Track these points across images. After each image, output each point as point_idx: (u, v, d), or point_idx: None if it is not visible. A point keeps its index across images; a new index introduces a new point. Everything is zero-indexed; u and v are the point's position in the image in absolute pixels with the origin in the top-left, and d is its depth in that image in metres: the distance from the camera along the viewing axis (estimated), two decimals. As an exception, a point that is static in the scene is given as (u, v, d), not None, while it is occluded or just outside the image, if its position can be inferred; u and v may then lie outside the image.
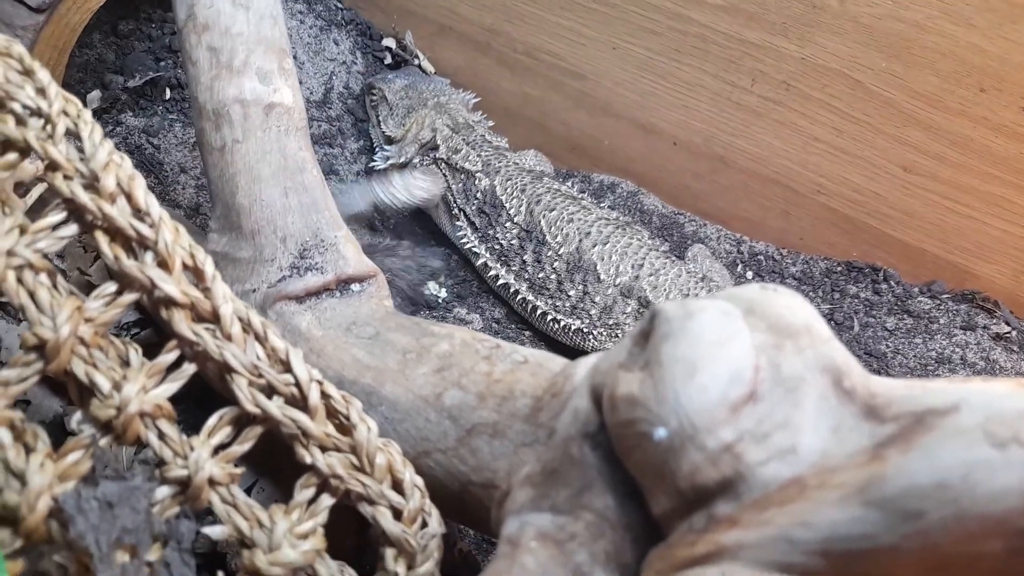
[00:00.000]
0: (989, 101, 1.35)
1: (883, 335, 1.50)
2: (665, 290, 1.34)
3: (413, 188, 1.49)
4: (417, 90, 1.58)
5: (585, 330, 1.36)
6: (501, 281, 1.42)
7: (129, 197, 0.68)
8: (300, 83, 1.55)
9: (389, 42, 1.81)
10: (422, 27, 1.77)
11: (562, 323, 1.37)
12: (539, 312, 1.39)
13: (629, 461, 0.53)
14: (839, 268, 1.61)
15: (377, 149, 1.61)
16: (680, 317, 0.52)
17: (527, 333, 1.45)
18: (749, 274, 1.56)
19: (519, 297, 1.40)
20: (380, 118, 1.57)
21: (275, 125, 0.91)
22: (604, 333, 1.35)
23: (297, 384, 0.67)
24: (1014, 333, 1.51)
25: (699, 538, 0.46)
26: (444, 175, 1.53)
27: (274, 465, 0.90)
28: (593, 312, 1.35)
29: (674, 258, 1.42)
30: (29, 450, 0.60)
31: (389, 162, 1.55)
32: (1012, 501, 0.38)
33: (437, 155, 1.53)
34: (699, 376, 0.49)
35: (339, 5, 1.76)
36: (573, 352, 1.37)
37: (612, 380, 0.55)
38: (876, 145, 1.47)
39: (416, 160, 1.54)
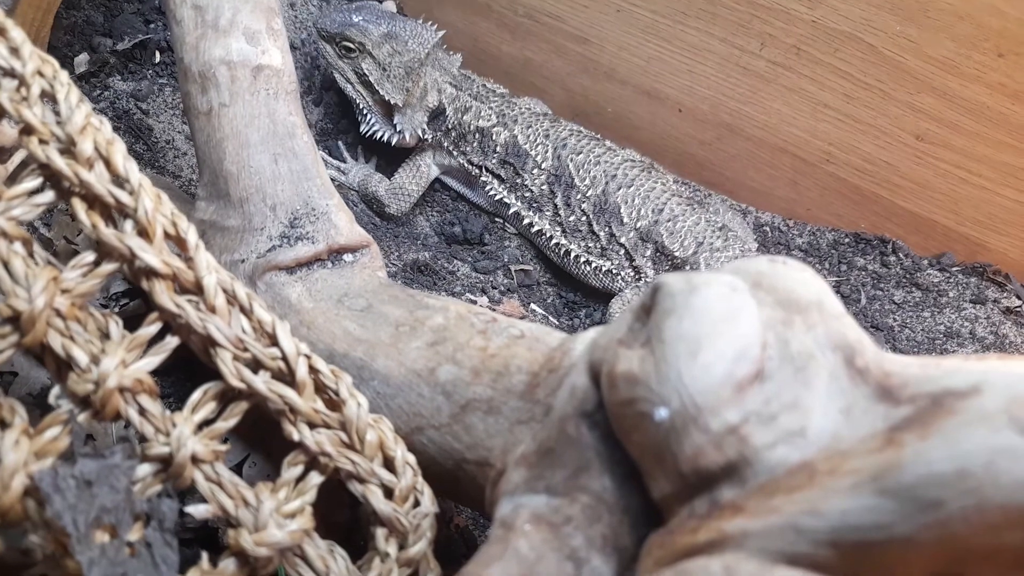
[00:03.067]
0: (1007, 67, 1.31)
1: (890, 308, 1.47)
2: (681, 237, 1.37)
3: (401, 195, 1.47)
4: (402, 41, 1.42)
5: (615, 271, 1.39)
6: (535, 228, 1.43)
7: (107, 162, 0.65)
8: (293, 48, 1.51)
9: (389, 6, 1.75)
10: (421, -12, 1.71)
11: (594, 264, 1.40)
12: (573, 255, 1.41)
13: (628, 442, 0.51)
14: (847, 239, 1.57)
15: (367, 113, 1.46)
16: (684, 291, 0.49)
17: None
18: (754, 246, 1.53)
19: (553, 242, 1.42)
20: (373, 80, 1.41)
21: (263, 88, 0.88)
22: (631, 274, 1.39)
23: (284, 358, 0.64)
24: (1025, 307, 1.48)
25: (701, 524, 0.44)
26: (449, 150, 1.47)
27: (264, 438, 0.88)
28: (621, 253, 1.39)
29: (695, 206, 1.43)
30: (5, 425, 0.58)
31: (407, 138, 1.45)
32: (1038, 491, 0.35)
33: (447, 123, 1.45)
34: (703, 354, 0.46)
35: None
36: (606, 297, 1.42)
37: (611, 357, 0.52)
38: (888, 112, 1.42)
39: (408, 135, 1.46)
